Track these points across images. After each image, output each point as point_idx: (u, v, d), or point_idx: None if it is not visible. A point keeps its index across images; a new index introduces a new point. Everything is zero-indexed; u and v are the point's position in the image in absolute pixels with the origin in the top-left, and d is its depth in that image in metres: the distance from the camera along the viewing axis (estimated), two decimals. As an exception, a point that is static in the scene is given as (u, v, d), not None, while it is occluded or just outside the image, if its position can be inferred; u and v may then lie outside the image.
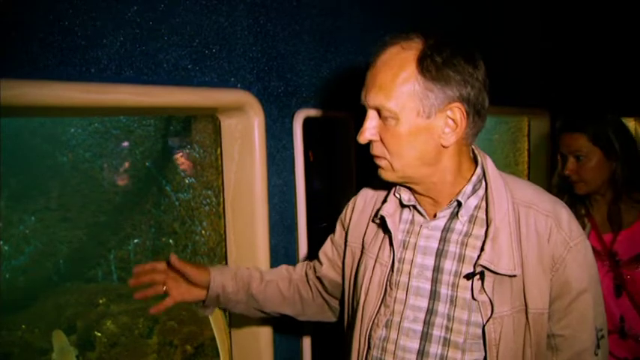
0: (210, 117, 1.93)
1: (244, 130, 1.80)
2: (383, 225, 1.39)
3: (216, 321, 2.24)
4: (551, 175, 2.45)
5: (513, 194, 1.29)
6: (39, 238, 3.88)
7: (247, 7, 1.74)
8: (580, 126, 2.13)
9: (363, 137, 1.25)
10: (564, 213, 1.28)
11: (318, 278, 1.63)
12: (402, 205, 1.38)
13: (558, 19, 3.64)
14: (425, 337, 1.26)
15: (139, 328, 3.34)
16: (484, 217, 1.28)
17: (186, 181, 3.34)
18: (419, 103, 1.19)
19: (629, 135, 2.16)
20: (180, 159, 3.53)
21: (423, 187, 1.30)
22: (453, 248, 1.28)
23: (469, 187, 1.29)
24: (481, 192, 1.30)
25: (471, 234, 1.28)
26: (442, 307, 1.25)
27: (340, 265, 1.58)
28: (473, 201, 1.29)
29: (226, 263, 1.91)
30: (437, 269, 1.28)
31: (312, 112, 1.97)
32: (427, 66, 1.18)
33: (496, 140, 3.75)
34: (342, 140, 2.20)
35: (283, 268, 1.71)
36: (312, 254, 1.94)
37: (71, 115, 3.17)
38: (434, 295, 1.27)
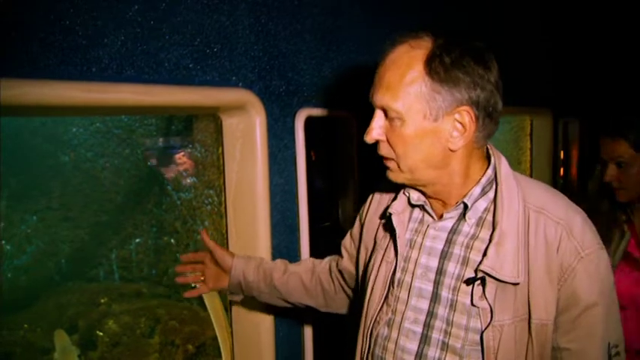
0: (212, 116, 1.92)
1: (246, 130, 1.79)
2: (391, 223, 1.37)
3: (218, 320, 2.23)
4: (553, 174, 2.44)
5: (526, 198, 1.23)
6: (41, 237, 3.89)
7: (249, 6, 1.73)
8: (621, 131, 2.04)
9: (370, 137, 1.23)
10: (578, 220, 1.21)
11: (339, 271, 1.65)
12: (412, 205, 1.36)
13: (561, 18, 3.63)
14: (424, 339, 1.25)
15: (140, 327, 3.34)
16: (491, 220, 1.24)
17: (188, 181, 3.34)
18: (425, 105, 1.16)
19: None
20: (182, 158, 3.53)
21: (431, 189, 1.27)
22: (457, 251, 1.25)
23: (477, 190, 1.25)
24: (491, 194, 1.26)
25: (477, 237, 1.24)
26: (442, 311, 1.23)
27: (356, 258, 1.58)
28: (482, 203, 1.26)
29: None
30: (440, 271, 1.26)
31: (314, 112, 1.97)
32: (435, 67, 1.14)
33: (498, 140, 3.74)
34: (344, 139, 2.20)
35: (309, 261, 1.76)
36: (314, 254, 1.93)
37: (72, 115, 3.17)
38: (435, 298, 1.25)
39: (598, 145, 2.13)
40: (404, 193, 1.37)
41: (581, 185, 3.89)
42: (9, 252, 3.86)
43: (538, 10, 3.43)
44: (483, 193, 1.26)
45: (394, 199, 1.40)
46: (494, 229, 1.21)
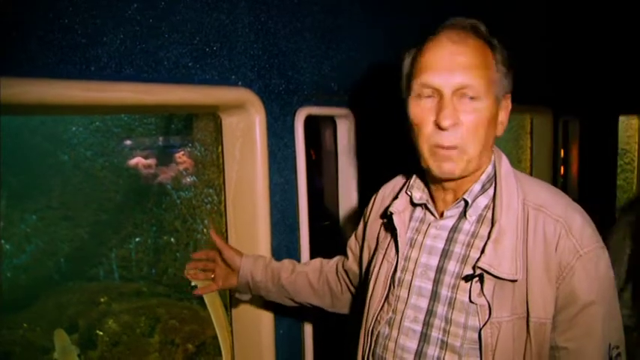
0: (212, 115, 1.92)
1: (245, 128, 1.79)
2: (392, 222, 1.36)
3: (218, 319, 2.23)
4: (553, 172, 2.42)
5: (526, 196, 1.23)
6: (40, 236, 3.89)
7: (248, 5, 1.73)
8: None
9: (451, 121, 1.15)
10: (577, 219, 1.20)
11: (345, 271, 1.66)
12: (414, 204, 1.36)
13: (562, 17, 3.63)
14: (423, 338, 1.24)
15: (140, 326, 3.34)
16: (491, 217, 1.23)
17: (188, 180, 3.34)
18: (495, 89, 1.20)
19: None
20: (182, 157, 3.53)
21: (458, 183, 1.26)
22: (458, 249, 1.24)
23: (477, 186, 1.26)
24: (491, 191, 1.26)
25: (477, 234, 1.24)
26: (441, 309, 1.23)
27: (360, 258, 1.59)
28: (482, 200, 1.26)
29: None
30: (440, 270, 1.25)
31: (314, 110, 1.96)
32: (499, 53, 1.21)
33: (498, 138, 3.73)
34: (344, 138, 2.19)
35: (317, 261, 1.76)
36: (314, 253, 1.93)
37: (71, 114, 3.17)
38: (434, 296, 1.24)
39: (598, 144, 2.12)
40: (406, 192, 1.37)
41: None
42: (9, 251, 3.87)
43: (538, 9, 3.43)
44: (483, 190, 1.26)
45: (395, 198, 1.40)
46: (492, 226, 1.20)
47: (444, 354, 1.20)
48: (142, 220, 3.90)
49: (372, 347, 1.35)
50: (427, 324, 1.24)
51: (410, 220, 1.36)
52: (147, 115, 3.64)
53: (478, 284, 1.18)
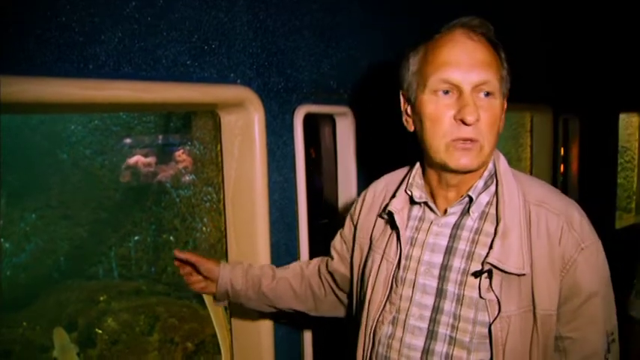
0: (210, 113, 1.92)
1: (244, 127, 1.78)
2: (391, 221, 1.37)
3: (218, 318, 2.23)
4: (553, 170, 2.42)
5: (525, 192, 1.26)
6: (40, 235, 3.89)
7: (247, 3, 1.73)
8: None
9: (477, 115, 1.17)
10: (576, 213, 1.24)
11: (330, 273, 1.63)
12: (412, 202, 1.37)
13: (561, 15, 3.62)
14: (430, 335, 1.25)
15: (139, 325, 3.34)
16: (494, 213, 1.26)
17: (187, 178, 3.33)
18: (504, 86, 1.24)
19: None
20: (181, 155, 3.52)
21: (466, 176, 1.27)
22: (462, 246, 1.26)
23: (480, 183, 1.28)
24: (492, 188, 1.28)
25: (481, 231, 1.25)
26: (448, 306, 1.23)
27: (349, 260, 1.57)
28: (484, 197, 1.28)
29: (227, 260, 1.90)
30: (445, 267, 1.26)
31: (313, 108, 1.96)
32: (503, 53, 1.25)
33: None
34: (344, 136, 2.19)
35: (297, 265, 1.73)
36: (313, 251, 1.93)
37: (70, 112, 3.16)
38: (440, 293, 1.25)
39: (598, 142, 2.12)
40: (406, 190, 1.37)
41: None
42: (8, 250, 3.87)
43: (538, 8, 3.43)
44: (486, 186, 1.28)
45: (393, 196, 1.40)
46: (498, 223, 1.22)
47: (453, 350, 1.22)
48: (141, 218, 3.90)
49: (374, 348, 1.35)
50: (434, 321, 1.25)
51: (408, 219, 1.36)
52: (146, 113, 3.63)
53: (487, 280, 1.20)
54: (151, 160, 3.75)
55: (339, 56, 2.06)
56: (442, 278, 1.25)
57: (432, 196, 1.34)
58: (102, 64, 1.38)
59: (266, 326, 1.87)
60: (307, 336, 2.03)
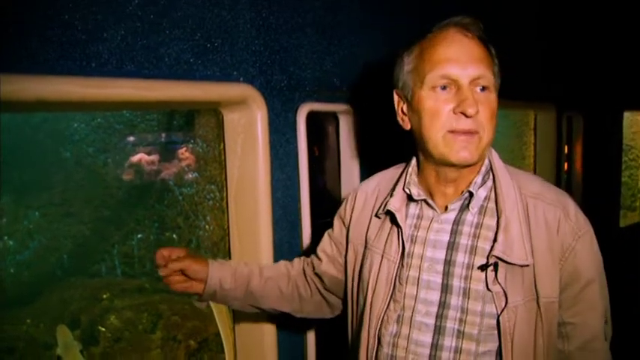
0: (213, 111, 1.91)
1: (247, 125, 1.78)
2: (391, 220, 1.38)
3: (221, 316, 2.23)
4: (557, 169, 2.42)
5: (520, 186, 1.30)
6: (43, 233, 3.90)
7: (250, 1, 1.72)
8: None
9: (476, 108, 1.20)
10: (571, 204, 1.30)
11: (317, 274, 1.62)
12: (409, 200, 1.38)
13: (564, 13, 3.61)
14: (438, 330, 1.26)
15: (142, 323, 3.34)
16: (493, 207, 1.29)
17: (190, 176, 3.34)
18: (497, 82, 1.28)
19: None
20: (184, 153, 3.52)
21: (464, 171, 1.30)
22: (464, 240, 1.28)
23: (479, 178, 1.30)
24: (489, 183, 1.32)
25: (482, 225, 1.28)
26: (455, 300, 1.25)
27: (341, 261, 1.57)
28: (482, 192, 1.31)
29: (230, 258, 1.90)
30: (448, 262, 1.28)
31: (316, 106, 1.96)
32: (494, 50, 1.29)
33: (502, 134, 3.73)
34: (347, 134, 2.19)
35: (282, 265, 1.69)
36: (316, 249, 1.93)
37: (72, 110, 3.16)
38: (446, 288, 1.27)
39: (602, 140, 2.12)
40: (404, 189, 1.38)
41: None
42: (12, 247, 3.88)
43: (541, 5, 3.41)
44: (483, 182, 1.31)
45: (389, 195, 1.41)
46: (499, 216, 1.26)
47: (462, 343, 1.24)
48: (144, 216, 3.91)
49: (379, 347, 1.35)
50: (441, 316, 1.27)
51: (406, 217, 1.37)
52: (148, 111, 3.63)
53: (492, 273, 1.23)
54: (154, 158, 3.75)
55: (341, 54, 2.05)
56: (446, 274, 1.27)
57: (430, 193, 1.35)
58: (104, 62, 1.38)
59: (269, 324, 1.87)
60: (310, 334, 2.03)
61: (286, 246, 1.89)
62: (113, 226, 3.95)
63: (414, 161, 1.41)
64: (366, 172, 2.16)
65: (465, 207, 1.31)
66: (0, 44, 1.19)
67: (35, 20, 1.24)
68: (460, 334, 1.24)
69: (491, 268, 1.23)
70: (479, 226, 1.28)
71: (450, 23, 1.26)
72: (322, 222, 1.90)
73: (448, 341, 1.25)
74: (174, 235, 3.69)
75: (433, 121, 1.24)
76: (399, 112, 1.38)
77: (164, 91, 1.51)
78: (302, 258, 1.71)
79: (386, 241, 1.38)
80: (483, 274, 1.24)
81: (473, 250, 1.26)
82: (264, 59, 1.78)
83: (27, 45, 1.23)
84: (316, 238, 1.94)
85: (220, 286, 1.53)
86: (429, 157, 1.30)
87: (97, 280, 3.89)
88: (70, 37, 1.30)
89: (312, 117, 1.95)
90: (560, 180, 3.68)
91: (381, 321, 1.34)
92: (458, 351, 1.24)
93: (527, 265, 1.23)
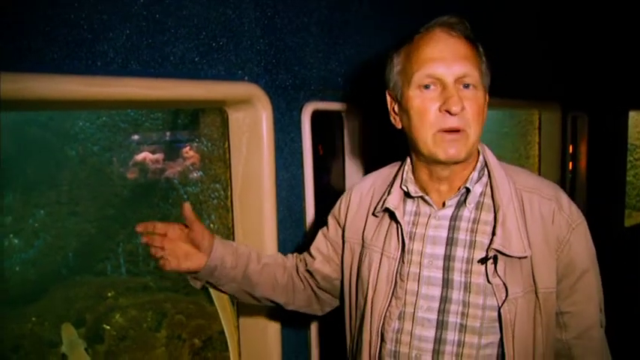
0: (218, 110, 1.92)
1: (252, 124, 1.78)
2: (389, 217, 1.41)
3: (225, 314, 2.24)
4: (562, 168, 2.41)
5: (514, 180, 1.34)
6: (48, 231, 3.90)
7: (255, 0, 1.72)
8: None
9: (461, 105, 1.23)
10: (564, 197, 1.34)
11: (309, 272, 1.62)
12: (406, 197, 1.40)
13: (570, 12, 3.60)
14: (441, 324, 1.28)
15: (147, 321, 3.35)
16: (490, 202, 1.32)
17: (195, 174, 3.34)
18: (484, 79, 1.30)
19: None
20: (189, 152, 3.53)
21: (456, 168, 1.32)
22: (463, 236, 1.30)
23: (475, 174, 1.33)
24: (484, 179, 1.35)
25: (479, 220, 1.31)
26: (456, 294, 1.28)
27: (336, 261, 1.58)
28: (478, 188, 1.33)
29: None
30: (448, 257, 1.30)
31: (321, 105, 1.96)
32: (481, 49, 1.31)
33: (506, 133, 3.72)
34: (351, 133, 2.19)
35: (279, 256, 1.68)
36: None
37: (78, 109, 3.17)
38: (446, 283, 1.29)
39: (607, 139, 2.12)
40: (401, 186, 1.40)
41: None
42: (17, 246, 3.88)
43: (546, 4, 3.41)
44: (479, 177, 1.34)
45: (386, 193, 1.43)
46: (496, 211, 1.29)
47: (464, 336, 1.27)
48: (148, 215, 3.91)
49: (382, 344, 1.36)
50: (443, 311, 1.29)
51: (404, 214, 1.39)
52: (153, 110, 3.64)
53: (492, 266, 1.26)
54: (159, 156, 3.75)
55: (346, 53, 2.06)
56: (447, 269, 1.30)
57: (425, 190, 1.38)
58: (110, 62, 1.38)
59: (273, 322, 1.87)
60: (314, 333, 2.03)
61: (290, 245, 1.90)
62: (118, 224, 3.95)
63: (409, 159, 1.43)
64: (370, 171, 2.16)
65: (461, 203, 1.34)
66: (6, 43, 1.20)
67: (41, 20, 1.25)
68: (463, 328, 1.27)
69: (490, 261, 1.26)
70: (476, 221, 1.31)
71: (435, 23, 1.29)
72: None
73: (451, 335, 1.27)
74: (179, 234, 3.68)
75: (422, 120, 1.27)
76: (392, 111, 1.42)
77: (169, 90, 1.51)
78: (294, 254, 1.70)
79: (385, 239, 1.40)
80: (483, 267, 1.27)
81: (472, 245, 1.29)
82: (269, 58, 1.78)
83: (33, 44, 1.24)
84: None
85: (222, 262, 1.46)
86: (420, 155, 1.33)
87: (102, 279, 3.89)
88: (75, 36, 1.31)
89: (317, 116, 1.95)
90: (565, 179, 3.67)
91: (384, 318, 1.35)
92: (461, 344, 1.26)
93: (526, 257, 1.26)
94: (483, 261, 1.26)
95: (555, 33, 3.49)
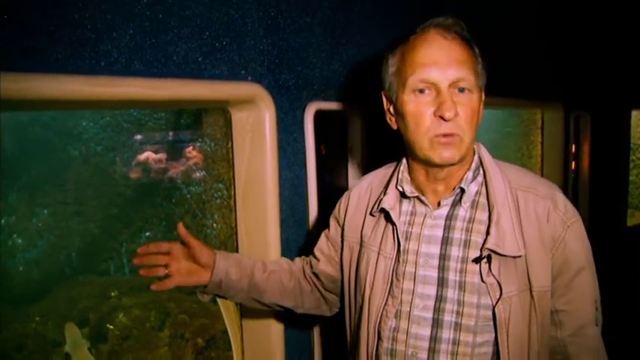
0: (221, 110, 1.92)
1: (255, 123, 1.79)
2: (385, 217, 1.42)
3: (228, 314, 2.24)
4: (564, 168, 2.41)
5: (510, 179, 1.34)
6: (52, 231, 3.91)
7: (258, 0, 1.73)
8: None
9: (454, 111, 1.23)
10: (560, 195, 1.34)
11: (315, 274, 1.64)
12: (402, 197, 1.41)
13: (573, 12, 3.60)
14: (436, 323, 1.29)
15: (150, 321, 3.36)
16: (485, 202, 1.32)
17: (198, 174, 3.34)
18: (480, 80, 1.29)
19: None
20: (192, 152, 3.53)
21: (452, 169, 1.32)
22: (458, 235, 1.31)
23: (470, 174, 1.34)
24: (480, 178, 1.35)
25: (474, 219, 1.32)
26: (451, 293, 1.29)
27: (337, 260, 1.59)
28: (473, 187, 1.34)
29: (237, 257, 1.91)
30: (443, 257, 1.31)
31: (324, 105, 1.96)
32: (476, 49, 1.31)
33: (509, 133, 3.72)
34: (354, 133, 2.19)
35: (284, 261, 1.72)
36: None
37: (81, 109, 3.18)
38: (442, 282, 1.30)
39: (610, 139, 2.11)
40: (397, 187, 1.42)
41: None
42: (21, 245, 3.89)
43: (549, 4, 3.40)
44: (474, 177, 1.35)
45: (383, 193, 1.44)
46: (491, 210, 1.29)
47: (459, 335, 1.27)
48: (152, 214, 3.92)
49: (379, 342, 1.37)
50: (438, 310, 1.30)
51: (400, 214, 1.40)
52: (157, 110, 3.64)
53: (486, 265, 1.26)
54: (162, 156, 3.76)
55: (349, 53, 2.06)
56: (442, 268, 1.31)
57: (421, 191, 1.39)
58: (113, 61, 1.39)
59: (276, 322, 1.88)
60: (317, 332, 2.03)
61: (294, 244, 1.90)
62: (121, 224, 3.96)
63: (404, 159, 1.44)
64: (371, 170, 2.16)
65: (457, 202, 1.34)
66: (10, 43, 1.20)
67: (45, 20, 1.25)
68: (458, 327, 1.27)
69: (485, 260, 1.26)
70: (471, 220, 1.32)
71: (431, 24, 1.29)
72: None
73: (446, 333, 1.28)
74: (182, 234, 3.69)
75: (418, 125, 1.27)
76: (387, 112, 1.43)
77: (172, 90, 1.51)
78: (302, 257, 1.74)
79: (381, 239, 1.41)
80: (478, 266, 1.27)
81: (467, 244, 1.30)
82: (272, 58, 1.78)
83: (37, 44, 1.24)
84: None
85: (227, 275, 1.52)
86: (416, 157, 1.34)
87: (106, 278, 3.90)
88: (79, 36, 1.31)
89: (319, 116, 1.96)
90: (568, 179, 3.66)
91: (380, 316, 1.37)
92: (456, 342, 1.27)
93: (520, 256, 1.26)
94: (477, 260, 1.27)
95: (558, 32, 3.49)
